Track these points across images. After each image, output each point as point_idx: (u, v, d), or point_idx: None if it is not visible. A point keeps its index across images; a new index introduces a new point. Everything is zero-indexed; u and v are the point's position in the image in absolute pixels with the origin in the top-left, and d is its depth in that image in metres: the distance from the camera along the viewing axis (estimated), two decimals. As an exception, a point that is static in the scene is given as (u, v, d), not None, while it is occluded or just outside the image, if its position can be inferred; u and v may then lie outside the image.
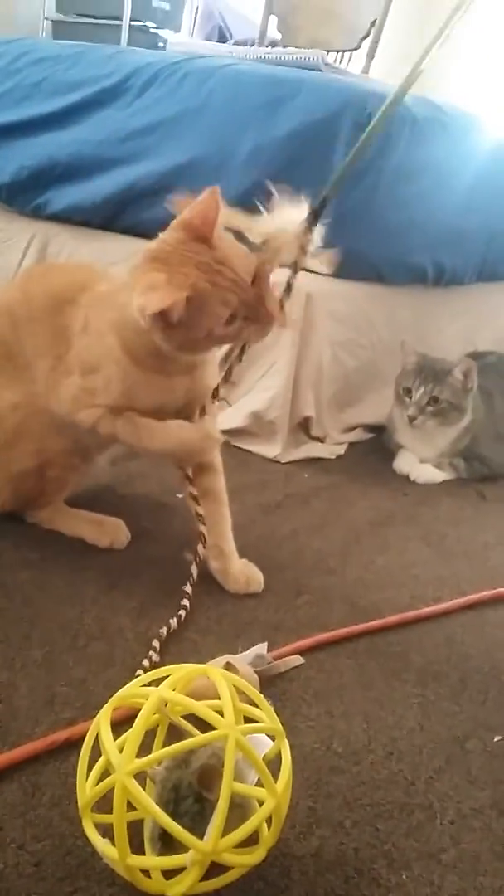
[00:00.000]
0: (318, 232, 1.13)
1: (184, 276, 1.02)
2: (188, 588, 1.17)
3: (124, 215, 1.99)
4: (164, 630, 1.07)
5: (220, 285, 1.03)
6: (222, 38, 3.58)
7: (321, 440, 1.90)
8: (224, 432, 1.80)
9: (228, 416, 1.82)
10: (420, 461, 1.86)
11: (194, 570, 1.19)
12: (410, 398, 1.80)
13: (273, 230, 1.11)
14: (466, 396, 1.81)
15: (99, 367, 1.17)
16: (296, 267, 1.17)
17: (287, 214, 1.11)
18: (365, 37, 3.03)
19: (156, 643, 1.04)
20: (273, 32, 3.18)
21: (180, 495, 1.43)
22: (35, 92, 2.13)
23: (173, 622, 1.09)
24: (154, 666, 0.99)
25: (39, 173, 2.09)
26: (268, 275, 1.10)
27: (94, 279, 1.25)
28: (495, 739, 0.97)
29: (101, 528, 1.31)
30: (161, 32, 3.67)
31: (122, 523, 1.32)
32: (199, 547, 1.22)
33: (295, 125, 1.74)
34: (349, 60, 3.28)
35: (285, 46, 2.94)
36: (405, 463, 1.86)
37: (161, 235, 1.09)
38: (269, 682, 1.00)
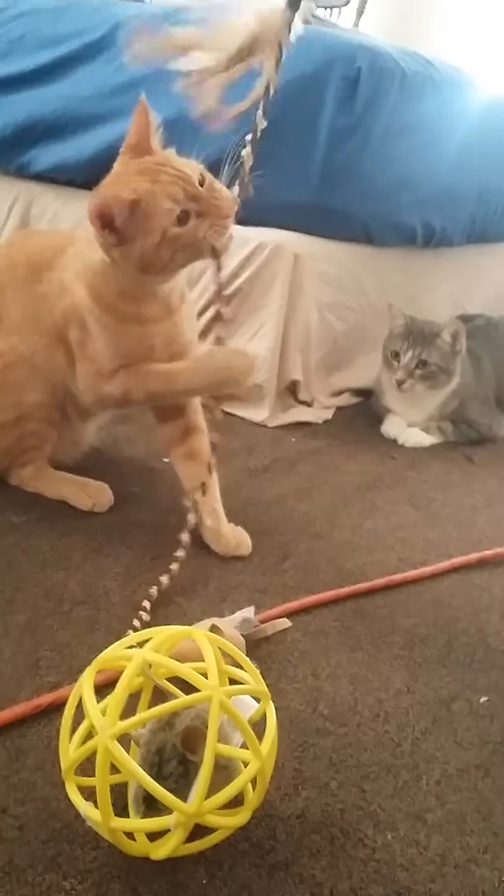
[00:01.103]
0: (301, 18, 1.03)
1: (126, 184, 1.04)
2: (185, 537, 1.14)
3: (110, 174, 1.95)
4: (154, 589, 1.06)
5: (163, 182, 1.04)
6: (209, -7, 3.49)
7: (309, 404, 1.88)
8: (211, 396, 1.79)
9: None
10: (408, 425, 1.85)
11: (191, 518, 1.17)
12: (399, 362, 1.78)
13: (244, 34, 1.04)
14: (455, 359, 1.79)
15: (86, 326, 1.17)
16: (274, 69, 1.07)
17: (258, 9, 1.04)
18: (355, -8, 2.97)
19: (147, 603, 1.03)
20: (261, -14, 3.10)
21: (167, 459, 1.42)
22: (18, 46, 2.07)
23: (164, 579, 1.08)
24: (145, 626, 0.98)
25: (23, 131, 2.03)
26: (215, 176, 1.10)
27: (70, 243, 1.24)
28: (481, 701, 0.97)
29: (84, 490, 1.30)
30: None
31: (106, 486, 1.31)
32: (199, 495, 1.20)
33: (282, 79, 1.69)
34: (339, 16, 3.22)
35: (273, 0, 2.87)
36: (393, 427, 1.85)
37: None
38: (255, 645, 1.00)
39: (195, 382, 1.20)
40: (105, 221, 1.03)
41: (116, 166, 1.11)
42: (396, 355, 1.79)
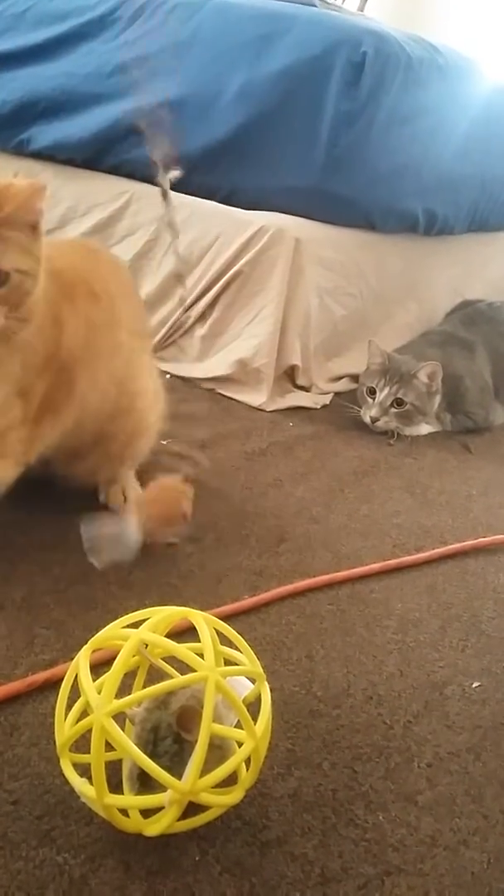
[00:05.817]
0: None
1: None
2: None
3: (110, 153, 1.93)
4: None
5: None
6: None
7: (307, 389, 1.88)
8: (209, 380, 1.79)
9: (214, 364, 1.80)
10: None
11: None
12: (374, 399, 1.76)
13: None
14: (431, 399, 1.77)
15: None
16: None
17: None
18: (361, -25, 2.95)
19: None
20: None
21: (164, 442, 1.42)
22: (19, 23, 2.05)
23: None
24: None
25: (22, 108, 2.01)
26: None
27: None
28: (473, 685, 0.98)
29: None
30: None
31: None
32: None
33: (287, 62, 1.68)
34: (343, 0, 3.19)
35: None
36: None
37: None
38: (250, 627, 1.00)
39: None
40: None
41: None
42: (372, 392, 1.76)
